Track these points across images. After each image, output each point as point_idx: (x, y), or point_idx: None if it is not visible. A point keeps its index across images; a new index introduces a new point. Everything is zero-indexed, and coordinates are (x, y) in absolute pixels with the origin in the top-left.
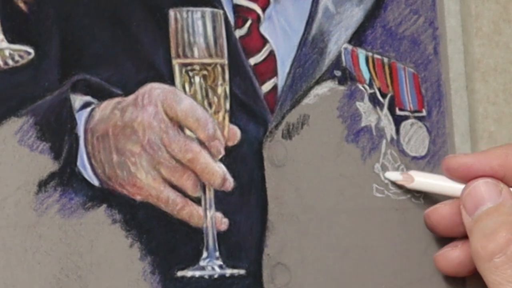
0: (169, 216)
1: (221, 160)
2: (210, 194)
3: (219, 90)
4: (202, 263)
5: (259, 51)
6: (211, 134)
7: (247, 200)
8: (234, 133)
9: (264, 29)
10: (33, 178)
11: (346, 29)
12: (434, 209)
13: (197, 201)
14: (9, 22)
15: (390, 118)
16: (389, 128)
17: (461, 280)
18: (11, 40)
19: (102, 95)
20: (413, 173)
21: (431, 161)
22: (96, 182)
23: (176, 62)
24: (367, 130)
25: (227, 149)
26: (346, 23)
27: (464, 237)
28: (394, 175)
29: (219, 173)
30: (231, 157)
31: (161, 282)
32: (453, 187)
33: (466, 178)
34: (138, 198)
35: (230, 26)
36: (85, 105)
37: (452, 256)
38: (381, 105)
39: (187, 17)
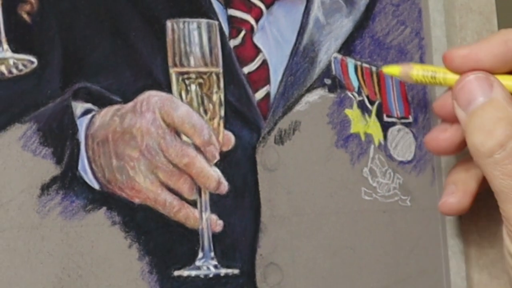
0: (166, 218)
1: (216, 164)
2: (205, 197)
3: (214, 97)
4: (197, 263)
5: (252, 60)
6: (206, 140)
7: (241, 202)
8: (229, 139)
9: (257, 39)
10: (36, 181)
11: (336, 39)
12: (442, 101)
13: (193, 203)
14: (13, 32)
15: (378, 124)
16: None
17: (446, 279)
18: (15, 50)
19: (102, 102)
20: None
21: (417, 165)
22: (96, 186)
23: (173, 71)
24: (356, 136)
25: (221, 154)
26: (336, 34)
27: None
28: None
29: (214, 177)
30: (225, 162)
31: (159, 281)
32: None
33: (468, 69)
34: (136, 201)
35: (224, 36)
36: (86, 112)
37: (442, 137)
38: (369, 112)
39: (183, 27)
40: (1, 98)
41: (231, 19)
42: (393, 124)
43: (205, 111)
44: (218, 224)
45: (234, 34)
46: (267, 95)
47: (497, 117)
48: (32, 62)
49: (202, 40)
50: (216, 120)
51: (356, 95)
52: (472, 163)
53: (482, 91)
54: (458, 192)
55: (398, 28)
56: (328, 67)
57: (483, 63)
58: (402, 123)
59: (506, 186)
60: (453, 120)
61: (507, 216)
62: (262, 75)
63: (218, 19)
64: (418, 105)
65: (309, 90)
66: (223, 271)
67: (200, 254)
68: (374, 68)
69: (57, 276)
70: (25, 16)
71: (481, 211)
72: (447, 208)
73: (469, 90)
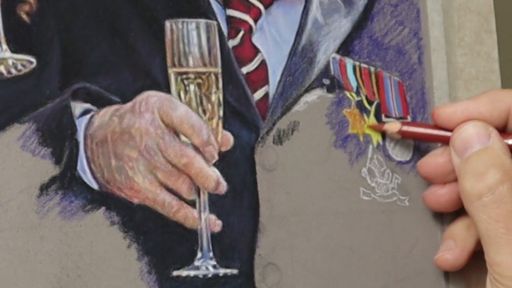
0: (165, 218)
1: (214, 164)
2: (204, 197)
3: (213, 97)
4: (196, 263)
5: (251, 60)
6: (205, 140)
7: (239, 202)
8: (227, 139)
9: (256, 40)
10: (35, 181)
11: (335, 40)
12: (426, 160)
13: (192, 204)
14: (12, 33)
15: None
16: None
17: (445, 277)
18: (14, 50)
19: (101, 102)
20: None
21: (415, 165)
22: (95, 186)
23: (171, 71)
24: (354, 136)
25: (220, 154)
26: (334, 34)
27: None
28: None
29: (213, 177)
30: (224, 162)
31: (158, 281)
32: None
33: (455, 125)
34: (135, 201)
35: (223, 36)
36: (85, 112)
37: (440, 193)
38: (367, 112)
39: (182, 28)
40: (0, 98)
41: (229, 19)
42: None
43: (204, 111)
44: (217, 224)
45: (232, 34)
46: (266, 95)
47: (490, 162)
48: (31, 62)
49: (200, 40)
50: (215, 120)
51: (354, 95)
52: (472, 220)
53: (479, 139)
54: (456, 249)
55: (397, 28)
56: (327, 67)
57: (470, 119)
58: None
59: (492, 230)
60: (438, 179)
61: (491, 262)
62: (260, 75)
63: (216, 19)
64: (416, 105)
65: (307, 90)
66: (222, 271)
67: (199, 254)
68: (372, 68)
69: (56, 276)
70: (24, 16)
71: None
72: (443, 263)
73: (466, 137)
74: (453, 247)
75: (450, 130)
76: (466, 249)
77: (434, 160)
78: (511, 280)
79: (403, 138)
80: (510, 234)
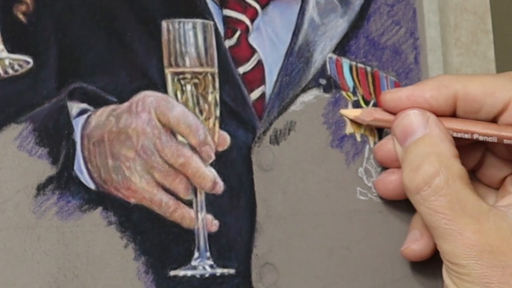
0: (162, 218)
1: (211, 164)
2: (201, 197)
3: (210, 97)
4: (193, 263)
5: (247, 60)
6: (202, 140)
7: (236, 202)
8: (224, 139)
9: (252, 40)
10: (32, 181)
11: (331, 40)
12: (380, 145)
13: (189, 203)
14: (9, 32)
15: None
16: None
17: (441, 278)
18: (10, 50)
19: (98, 102)
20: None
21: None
22: (92, 186)
23: (168, 71)
24: (351, 136)
25: (217, 154)
26: (330, 34)
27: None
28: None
29: (209, 177)
30: (221, 162)
31: (155, 281)
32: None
33: (400, 110)
34: (132, 201)
35: (220, 36)
36: (82, 112)
37: (389, 180)
38: None
39: (179, 28)
40: None
41: (226, 19)
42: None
43: (201, 111)
44: (213, 224)
45: (229, 34)
46: (262, 95)
47: (425, 153)
48: (27, 62)
49: (197, 40)
50: (211, 120)
51: (351, 95)
52: None
53: (418, 127)
54: (421, 239)
55: (393, 28)
56: (323, 67)
57: (416, 105)
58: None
59: (434, 221)
60: (392, 164)
61: (441, 251)
62: (257, 75)
63: (213, 19)
64: None
65: (304, 90)
66: (219, 271)
67: (196, 254)
68: (369, 68)
69: (53, 276)
70: (20, 16)
71: None
72: (409, 254)
73: (405, 125)
74: (418, 237)
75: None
76: (432, 239)
77: (386, 145)
78: (459, 267)
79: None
80: (452, 224)
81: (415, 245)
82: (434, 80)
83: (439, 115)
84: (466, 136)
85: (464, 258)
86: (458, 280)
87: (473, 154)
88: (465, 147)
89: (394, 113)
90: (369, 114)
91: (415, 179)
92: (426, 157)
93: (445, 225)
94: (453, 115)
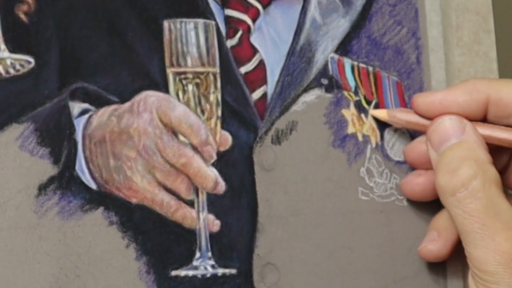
0: (164, 218)
1: (213, 164)
2: (202, 197)
3: (211, 97)
4: (195, 263)
5: (249, 60)
6: (203, 140)
7: (238, 202)
8: (226, 139)
9: (254, 39)
10: (33, 181)
11: (333, 39)
12: (412, 147)
13: (190, 203)
14: (11, 32)
15: (375, 124)
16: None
17: (443, 277)
18: (12, 50)
19: (99, 102)
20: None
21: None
22: (93, 186)
23: (170, 71)
24: (353, 136)
25: (219, 154)
26: (332, 34)
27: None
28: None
29: (211, 177)
30: (222, 162)
31: (156, 281)
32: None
33: (433, 115)
34: (134, 201)
35: (221, 36)
36: (83, 112)
37: (416, 182)
38: (366, 112)
39: (180, 28)
40: None
41: (228, 19)
42: (390, 124)
43: (202, 111)
44: (215, 224)
45: (231, 34)
46: (264, 95)
47: (463, 157)
48: (29, 62)
49: (199, 40)
50: (213, 120)
51: (353, 95)
52: None
53: (454, 133)
54: (439, 240)
55: (395, 28)
56: (325, 67)
57: (448, 110)
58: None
59: (467, 225)
60: (422, 166)
61: (469, 257)
62: (259, 75)
63: (215, 19)
64: None
65: (306, 90)
66: (220, 271)
67: (198, 254)
68: (370, 68)
69: (55, 276)
70: (22, 16)
71: None
72: (426, 255)
73: (441, 131)
74: (435, 238)
75: (429, 119)
76: (449, 240)
77: (418, 147)
78: (488, 274)
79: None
80: (485, 229)
81: (432, 245)
82: (467, 84)
83: (470, 119)
84: (495, 143)
85: (494, 265)
86: None
87: (500, 157)
88: (492, 150)
89: (426, 117)
90: (402, 116)
91: (452, 180)
92: (464, 161)
93: (478, 229)
94: (484, 119)
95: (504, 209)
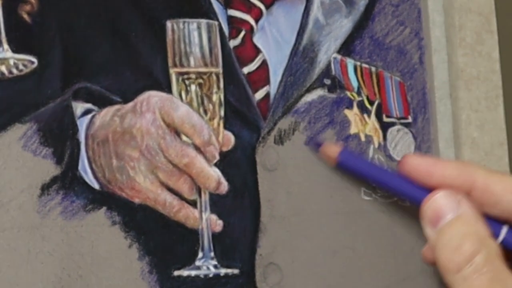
0: (166, 218)
1: (216, 164)
2: (205, 197)
3: (214, 97)
4: (197, 263)
5: (252, 60)
6: (206, 140)
7: (240, 202)
8: (228, 139)
9: (257, 40)
10: (36, 181)
11: (336, 40)
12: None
13: (193, 203)
14: (14, 32)
15: (377, 124)
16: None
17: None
18: (15, 50)
19: (102, 102)
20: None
21: None
22: (96, 186)
23: (173, 71)
24: (356, 136)
25: (221, 154)
26: (335, 34)
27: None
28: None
29: (214, 177)
30: (225, 162)
31: (159, 281)
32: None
33: (425, 181)
34: (136, 201)
35: (224, 36)
36: (86, 112)
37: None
38: (368, 112)
39: (183, 28)
40: (2, 98)
41: (231, 20)
42: (393, 124)
43: (205, 111)
44: (218, 224)
45: (234, 34)
46: (267, 95)
47: (464, 233)
48: (32, 62)
49: (202, 40)
50: (216, 120)
51: (355, 95)
52: None
53: (450, 208)
54: None
55: (398, 28)
56: (328, 67)
57: (435, 179)
58: (402, 123)
59: None
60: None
61: None
62: (261, 75)
63: (218, 20)
64: (418, 105)
65: (308, 90)
66: (223, 271)
67: (200, 254)
68: (373, 68)
69: (57, 276)
70: (25, 16)
71: None
72: (429, 257)
73: (437, 208)
74: None
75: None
76: None
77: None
78: None
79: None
80: None
81: None
82: (457, 163)
83: None
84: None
85: None
86: None
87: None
88: None
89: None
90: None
91: (456, 258)
92: (465, 236)
93: None
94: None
95: (509, 282)
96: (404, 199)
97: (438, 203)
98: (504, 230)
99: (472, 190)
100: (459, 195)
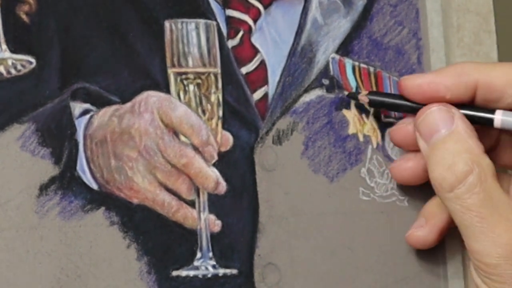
0: (165, 218)
1: (214, 164)
2: (203, 197)
3: (213, 98)
4: (196, 263)
5: (250, 60)
6: (204, 140)
7: (239, 203)
8: (227, 139)
9: (255, 40)
10: (34, 182)
11: (334, 40)
12: (397, 128)
13: (191, 204)
14: (12, 33)
15: (376, 124)
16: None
17: (444, 277)
18: (13, 50)
19: (100, 102)
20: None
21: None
22: (95, 186)
23: (171, 71)
24: (354, 136)
25: (220, 154)
26: (333, 34)
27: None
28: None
29: (212, 177)
30: (223, 162)
31: (157, 282)
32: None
33: (421, 98)
34: (135, 201)
35: (223, 36)
36: (85, 112)
37: (405, 167)
38: (367, 112)
39: (182, 28)
40: (0, 99)
41: (229, 20)
42: (391, 124)
43: (203, 112)
44: (216, 224)
45: (232, 34)
46: (265, 95)
47: (457, 150)
48: (30, 63)
49: (200, 40)
50: (214, 121)
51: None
52: None
53: (444, 123)
54: (426, 226)
55: (396, 28)
56: (326, 67)
57: (436, 93)
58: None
59: (467, 219)
60: (409, 147)
61: (471, 250)
62: (260, 76)
63: (216, 20)
64: None
65: (307, 90)
66: (221, 271)
67: (199, 254)
68: (371, 69)
69: (56, 276)
70: (23, 16)
71: None
72: (413, 240)
73: (431, 122)
74: (423, 224)
75: (416, 103)
76: (436, 226)
77: (405, 128)
78: (490, 267)
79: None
80: (484, 222)
81: (420, 231)
82: (455, 68)
83: (459, 102)
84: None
85: (495, 257)
86: (490, 281)
87: (488, 136)
88: (479, 130)
89: (413, 100)
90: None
91: (449, 177)
92: (458, 155)
93: (477, 223)
94: (472, 103)
95: (501, 200)
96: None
97: (432, 117)
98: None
99: (477, 90)
100: (454, 109)
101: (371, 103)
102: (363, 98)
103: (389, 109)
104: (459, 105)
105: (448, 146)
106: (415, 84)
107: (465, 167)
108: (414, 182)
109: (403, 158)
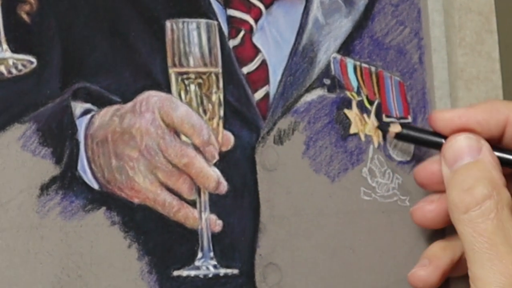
0: (166, 218)
1: (215, 164)
2: (204, 197)
3: (214, 97)
4: (197, 263)
5: (251, 60)
6: (205, 140)
7: (240, 202)
8: (228, 139)
9: (256, 39)
10: (35, 181)
11: (335, 39)
12: (423, 166)
13: (193, 203)
14: (13, 32)
15: (377, 124)
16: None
17: (445, 280)
18: (14, 50)
19: (101, 102)
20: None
21: (416, 165)
22: (95, 186)
23: (172, 71)
24: (355, 136)
25: (221, 154)
26: (335, 34)
27: (442, 191)
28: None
29: (213, 177)
30: (225, 162)
31: (158, 281)
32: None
33: (451, 132)
34: (136, 201)
35: (224, 36)
36: (85, 112)
37: (428, 209)
38: (368, 112)
39: (183, 28)
40: (1, 98)
41: (230, 19)
42: (391, 124)
43: (205, 111)
44: (217, 224)
45: (233, 34)
46: (267, 95)
47: (478, 176)
48: (31, 62)
49: (201, 40)
50: (215, 120)
51: (355, 95)
52: (450, 242)
53: (470, 152)
54: (430, 266)
55: (397, 28)
56: (327, 67)
57: (467, 126)
58: (401, 123)
59: (476, 244)
60: (433, 187)
61: (473, 276)
62: (261, 75)
63: (217, 19)
64: (417, 105)
65: (308, 90)
66: (222, 271)
67: (200, 254)
68: (373, 68)
69: (57, 276)
70: (24, 16)
71: None
72: (415, 280)
73: (457, 148)
74: (426, 264)
75: (446, 137)
76: (440, 268)
77: (430, 167)
78: None
79: (399, 140)
80: (493, 249)
81: (422, 270)
82: (486, 104)
83: (488, 138)
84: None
85: (497, 286)
86: None
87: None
88: (506, 175)
89: (442, 133)
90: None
91: (466, 198)
92: (479, 180)
93: (486, 249)
94: (501, 140)
95: None
96: None
97: (458, 144)
98: None
99: (506, 127)
100: (482, 140)
101: (400, 136)
102: (393, 131)
103: (417, 144)
104: (492, 145)
105: (471, 172)
106: (446, 117)
107: (485, 190)
108: (436, 226)
109: (426, 199)
